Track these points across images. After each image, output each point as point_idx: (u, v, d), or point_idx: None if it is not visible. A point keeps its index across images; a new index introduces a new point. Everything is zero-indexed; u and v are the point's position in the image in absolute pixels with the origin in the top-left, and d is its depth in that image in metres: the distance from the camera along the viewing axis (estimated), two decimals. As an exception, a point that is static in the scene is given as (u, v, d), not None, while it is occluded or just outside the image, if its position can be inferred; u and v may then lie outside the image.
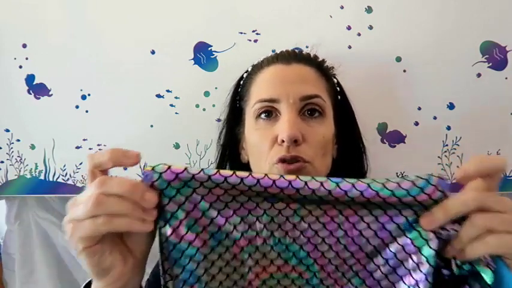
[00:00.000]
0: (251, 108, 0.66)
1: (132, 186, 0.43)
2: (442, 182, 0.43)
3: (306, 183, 0.43)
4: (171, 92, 0.88)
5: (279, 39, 0.84)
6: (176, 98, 0.88)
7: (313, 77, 0.66)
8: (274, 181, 0.43)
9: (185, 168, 0.43)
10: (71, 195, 0.95)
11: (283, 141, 0.60)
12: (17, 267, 0.97)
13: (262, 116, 0.64)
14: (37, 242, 0.96)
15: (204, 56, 0.87)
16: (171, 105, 0.88)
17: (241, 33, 0.86)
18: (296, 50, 0.73)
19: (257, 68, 0.70)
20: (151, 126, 0.89)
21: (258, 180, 0.43)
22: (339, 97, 0.72)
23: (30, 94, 0.90)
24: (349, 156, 0.71)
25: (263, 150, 0.63)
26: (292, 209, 0.46)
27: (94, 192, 0.42)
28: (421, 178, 0.43)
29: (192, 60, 0.87)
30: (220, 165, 0.75)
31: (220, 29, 0.86)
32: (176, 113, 0.88)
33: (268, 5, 0.85)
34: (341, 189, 0.43)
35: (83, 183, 0.90)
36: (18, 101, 0.90)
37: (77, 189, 0.91)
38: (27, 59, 0.89)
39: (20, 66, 0.89)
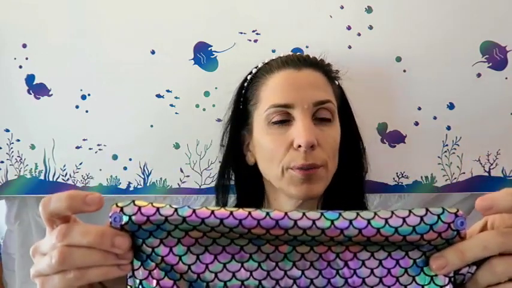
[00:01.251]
0: (263, 112, 0.66)
1: (99, 235, 0.38)
2: (458, 220, 0.38)
3: (295, 222, 0.38)
4: (171, 92, 0.88)
5: (279, 39, 0.84)
6: (176, 98, 0.88)
7: (323, 82, 0.68)
8: (258, 221, 0.38)
9: (157, 209, 0.38)
10: (71, 195, 0.95)
11: (299, 146, 0.62)
12: (17, 267, 0.96)
13: (276, 121, 0.65)
14: (37, 242, 0.96)
15: (204, 56, 0.87)
16: (171, 105, 0.88)
17: (241, 33, 0.86)
18: (304, 55, 0.73)
19: (266, 71, 0.70)
20: (151, 126, 0.89)
21: (240, 221, 0.38)
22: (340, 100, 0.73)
23: (30, 94, 0.90)
24: (349, 156, 0.72)
25: (277, 155, 0.64)
26: (282, 253, 0.40)
27: (57, 245, 0.38)
28: (432, 213, 0.38)
29: (192, 60, 0.87)
30: (224, 167, 0.75)
31: (220, 29, 0.86)
32: (176, 113, 0.88)
33: (268, 5, 0.85)
34: (336, 227, 0.38)
35: (83, 183, 0.90)
36: (18, 101, 0.90)
37: (77, 189, 0.90)
38: (27, 59, 0.89)
39: (20, 66, 0.89)
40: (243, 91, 0.73)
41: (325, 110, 0.65)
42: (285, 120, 0.65)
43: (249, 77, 0.73)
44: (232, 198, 0.78)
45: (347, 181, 0.70)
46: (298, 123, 0.63)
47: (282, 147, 0.64)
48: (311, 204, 0.68)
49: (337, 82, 0.73)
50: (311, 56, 0.72)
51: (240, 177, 0.76)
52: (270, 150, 0.65)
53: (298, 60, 0.69)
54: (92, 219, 1.03)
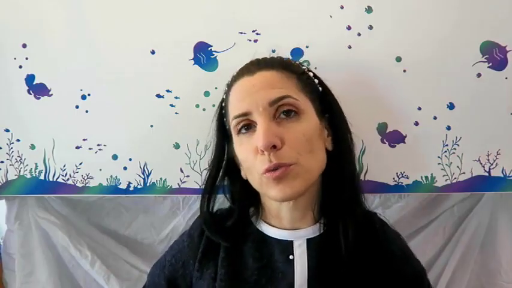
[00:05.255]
0: (231, 126, 0.67)
1: None
2: None
3: None
4: (171, 92, 0.88)
5: (279, 39, 0.84)
6: (176, 98, 0.88)
7: (279, 79, 0.66)
8: None
9: None
10: (71, 195, 0.95)
11: (262, 150, 0.61)
12: (17, 267, 0.97)
13: (242, 130, 0.66)
14: (37, 242, 0.96)
15: (204, 56, 0.87)
16: (171, 105, 0.88)
17: (241, 33, 0.86)
18: (260, 58, 0.73)
19: (229, 86, 0.71)
20: (151, 126, 0.89)
21: None
22: (321, 89, 0.71)
23: (30, 94, 0.90)
24: (339, 146, 0.70)
25: (250, 164, 0.65)
26: None
27: None
28: None
29: (192, 60, 0.87)
30: (211, 185, 0.73)
31: (220, 29, 0.86)
32: (176, 113, 0.88)
33: (268, 5, 0.85)
34: None
35: (83, 183, 0.90)
36: (18, 101, 0.90)
37: (77, 189, 0.91)
38: (27, 59, 0.89)
39: (20, 66, 0.89)
40: (223, 111, 0.73)
41: (286, 105, 0.64)
42: (250, 127, 0.65)
43: (224, 96, 0.73)
44: (221, 199, 0.77)
45: (339, 178, 0.68)
46: (258, 127, 0.63)
47: (251, 155, 0.64)
48: (305, 205, 0.68)
49: (311, 73, 0.72)
50: (268, 57, 0.73)
51: (236, 190, 0.74)
52: (245, 160, 0.66)
53: (252, 65, 0.70)
54: (92, 217, 1.03)
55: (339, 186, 0.68)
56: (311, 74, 0.72)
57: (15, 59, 0.89)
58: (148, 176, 0.89)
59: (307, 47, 0.84)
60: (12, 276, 0.98)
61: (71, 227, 0.97)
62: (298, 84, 0.67)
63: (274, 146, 0.61)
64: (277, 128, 0.63)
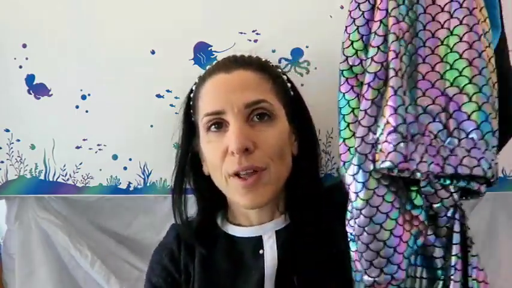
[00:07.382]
0: (201, 122, 0.66)
1: None
2: None
3: None
4: (171, 92, 0.88)
5: (279, 39, 0.84)
6: (176, 98, 0.88)
7: (256, 81, 0.66)
8: None
9: None
10: (71, 195, 0.95)
11: (233, 152, 0.61)
12: (17, 267, 0.96)
13: (212, 128, 0.65)
14: (37, 242, 0.96)
15: (204, 56, 0.87)
16: (171, 105, 0.88)
17: (241, 33, 0.86)
18: (237, 55, 0.72)
19: (202, 79, 0.70)
20: (151, 126, 0.89)
21: None
22: (292, 93, 0.71)
23: (30, 94, 0.90)
24: (306, 151, 0.70)
25: (217, 163, 0.64)
26: None
27: None
28: None
29: (192, 60, 0.87)
30: (180, 180, 0.74)
31: (220, 29, 0.86)
32: (176, 113, 0.88)
33: (268, 5, 0.85)
34: None
35: (83, 183, 0.90)
36: (18, 101, 0.90)
37: (77, 189, 0.91)
38: (27, 59, 0.89)
39: (20, 66, 0.89)
40: (190, 102, 0.72)
41: (261, 109, 0.64)
42: (221, 126, 0.64)
43: (194, 88, 0.72)
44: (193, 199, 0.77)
45: (304, 176, 0.69)
46: (230, 128, 0.62)
47: (220, 154, 0.63)
48: (271, 205, 0.68)
49: (285, 76, 0.72)
50: (246, 55, 0.71)
51: (199, 186, 0.74)
52: (210, 159, 0.65)
53: (229, 62, 0.69)
54: (92, 217, 1.02)
55: (302, 188, 0.68)
56: (285, 78, 0.72)
57: (15, 59, 0.89)
58: (148, 176, 0.89)
59: (307, 47, 0.84)
60: (12, 276, 0.98)
61: (71, 227, 0.96)
62: (273, 88, 0.67)
63: (246, 149, 0.61)
64: (250, 130, 0.62)
